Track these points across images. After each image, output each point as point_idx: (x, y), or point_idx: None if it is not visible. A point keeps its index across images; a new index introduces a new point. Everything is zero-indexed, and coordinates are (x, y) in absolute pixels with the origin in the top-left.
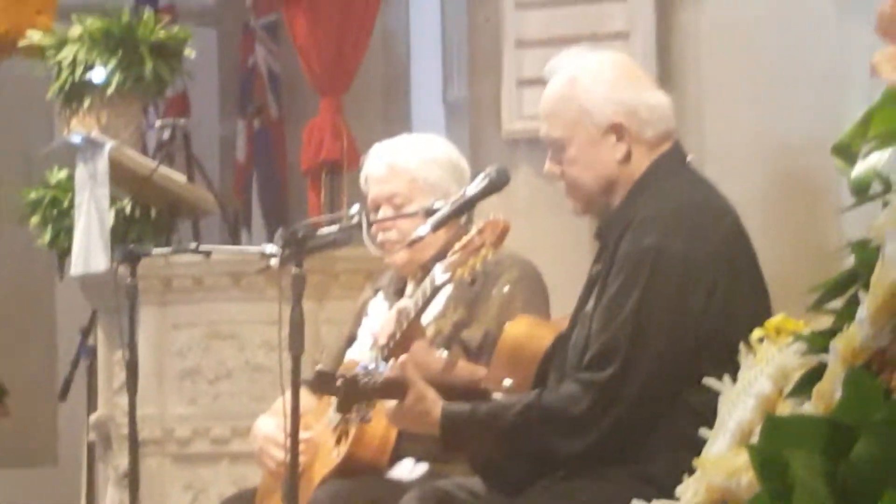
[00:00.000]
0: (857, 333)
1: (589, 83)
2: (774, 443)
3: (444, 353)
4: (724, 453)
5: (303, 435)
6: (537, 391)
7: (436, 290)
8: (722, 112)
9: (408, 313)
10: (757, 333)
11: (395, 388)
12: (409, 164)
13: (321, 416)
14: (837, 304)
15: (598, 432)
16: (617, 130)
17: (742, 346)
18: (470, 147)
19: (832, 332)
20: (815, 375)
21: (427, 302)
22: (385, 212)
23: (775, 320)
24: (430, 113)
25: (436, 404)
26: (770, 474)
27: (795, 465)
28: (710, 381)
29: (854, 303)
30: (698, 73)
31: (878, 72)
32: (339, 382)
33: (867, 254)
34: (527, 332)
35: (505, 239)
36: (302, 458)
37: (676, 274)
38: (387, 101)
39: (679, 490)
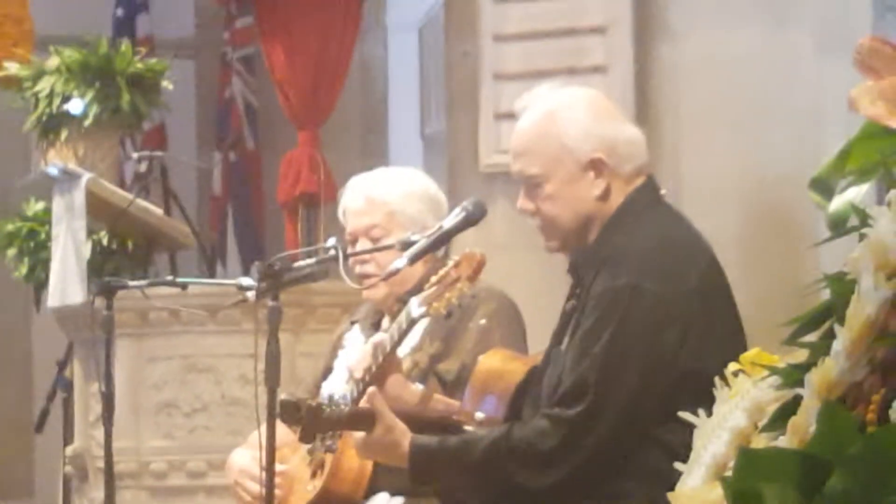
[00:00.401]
0: (832, 367)
1: (568, 118)
2: (748, 476)
3: (420, 387)
4: (698, 487)
5: (278, 468)
6: (507, 425)
7: (412, 323)
8: (699, 147)
9: (384, 347)
10: (732, 367)
11: (362, 419)
12: (387, 197)
13: (296, 449)
14: (813, 337)
15: (567, 468)
16: (596, 166)
17: (717, 381)
18: (447, 181)
19: (807, 366)
20: (789, 409)
21: (403, 335)
22: (362, 244)
23: (750, 354)
24: (408, 146)
25: (405, 436)
26: None
27: (769, 498)
28: (685, 416)
29: (829, 336)
30: (676, 108)
31: (856, 106)
32: (302, 412)
33: (843, 287)
34: (500, 366)
35: (481, 272)
36: (277, 492)
37: (651, 313)
38: (364, 135)
39: None
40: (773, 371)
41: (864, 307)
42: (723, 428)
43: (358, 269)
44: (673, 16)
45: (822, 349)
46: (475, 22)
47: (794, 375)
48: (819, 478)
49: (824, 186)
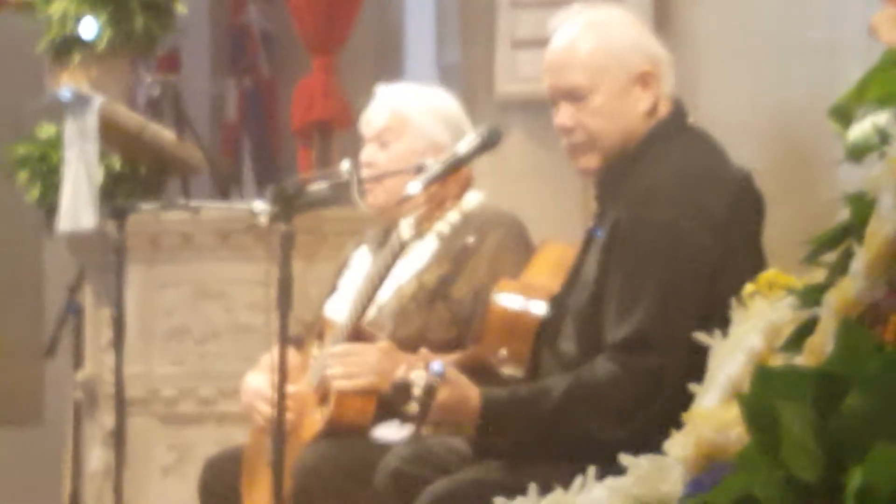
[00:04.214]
0: (851, 286)
1: (616, 30)
2: (765, 394)
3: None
4: (714, 407)
5: (290, 389)
6: (575, 372)
7: (402, 245)
8: (718, 79)
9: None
10: (749, 288)
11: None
12: (404, 105)
13: (304, 371)
14: (831, 257)
15: (643, 420)
16: (645, 80)
17: (734, 301)
18: (463, 109)
19: (825, 287)
20: (807, 330)
21: (395, 257)
22: (372, 149)
23: (768, 275)
24: (424, 76)
25: (472, 389)
26: (759, 426)
27: (785, 416)
28: (700, 336)
29: (848, 256)
30: (694, 40)
31: (877, 33)
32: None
33: (862, 206)
34: (519, 302)
35: (468, 189)
36: (289, 416)
37: (692, 253)
38: (380, 63)
39: (667, 445)
40: (791, 291)
41: (883, 226)
42: (739, 349)
43: (366, 172)
44: None
45: (840, 268)
46: None
47: (811, 295)
48: (836, 396)
49: (844, 115)
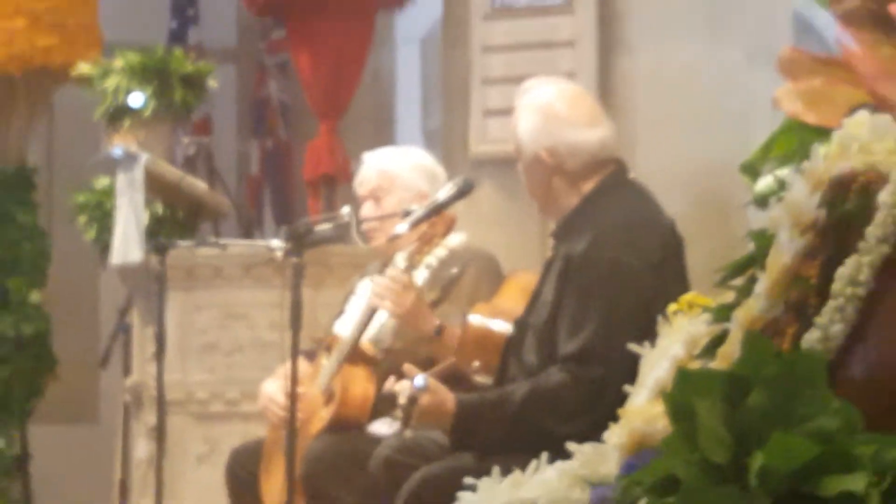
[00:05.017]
0: (754, 305)
1: (525, 119)
2: (684, 392)
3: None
4: (644, 404)
5: (301, 392)
6: (532, 380)
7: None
8: (651, 143)
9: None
10: (673, 308)
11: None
12: (390, 165)
13: (314, 380)
14: (739, 282)
15: (589, 420)
16: (540, 160)
17: (660, 319)
18: (444, 167)
19: (734, 305)
20: (719, 340)
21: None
22: (369, 206)
23: (688, 297)
24: (412, 139)
25: (448, 395)
26: (680, 418)
27: (701, 410)
28: (633, 347)
29: (752, 281)
30: (633, 111)
31: (779, 104)
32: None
33: (764, 240)
34: (489, 322)
35: (453, 228)
36: (300, 414)
37: (633, 285)
38: (376, 129)
39: (606, 435)
40: (707, 310)
41: (781, 256)
42: (664, 357)
43: (365, 226)
44: (629, 33)
45: (746, 291)
46: (468, 35)
47: (723, 313)
48: (742, 393)
49: (752, 170)
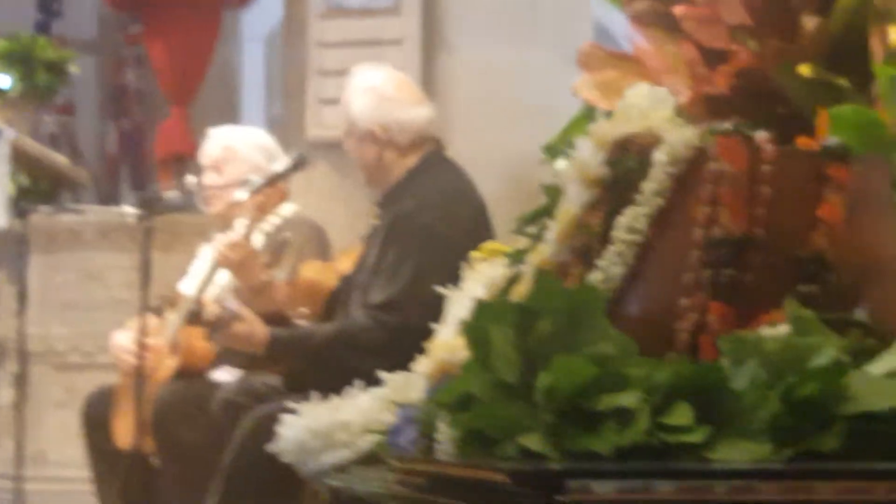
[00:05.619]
0: (545, 250)
1: (358, 99)
2: (481, 320)
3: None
4: (448, 338)
5: (149, 342)
6: (339, 322)
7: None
8: (468, 132)
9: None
10: (476, 255)
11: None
12: (231, 140)
13: (160, 333)
14: (533, 230)
15: (391, 361)
16: (372, 136)
17: (464, 264)
18: (283, 148)
19: (528, 250)
20: (514, 280)
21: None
22: (211, 175)
23: (489, 245)
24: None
25: (263, 327)
26: (476, 343)
27: (494, 336)
28: (440, 289)
29: (544, 228)
30: (453, 104)
31: (578, 92)
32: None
33: (555, 193)
34: (319, 274)
35: (286, 199)
36: (148, 363)
37: (440, 247)
38: (221, 114)
39: (413, 365)
40: (505, 254)
41: (569, 207)
42: (467, 297)
43: (205, 193)
44: (450, 35)
45: (538, 237)
46: (305, 33)
47: (518, 256)
48: (532, 322)
49: (554, 151)
